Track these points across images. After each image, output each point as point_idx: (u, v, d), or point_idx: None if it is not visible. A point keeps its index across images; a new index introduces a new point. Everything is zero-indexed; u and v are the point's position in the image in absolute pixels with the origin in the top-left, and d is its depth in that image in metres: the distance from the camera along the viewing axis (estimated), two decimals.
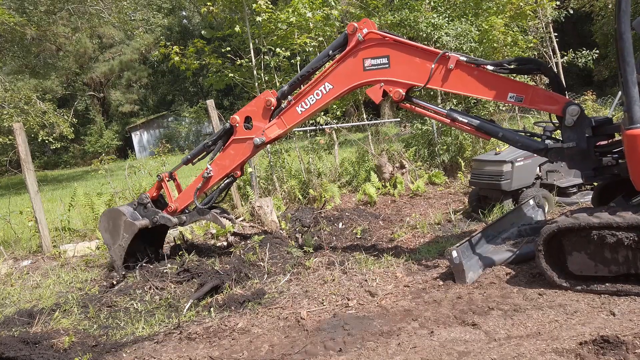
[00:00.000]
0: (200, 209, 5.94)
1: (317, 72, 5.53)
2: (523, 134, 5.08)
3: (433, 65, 4.85)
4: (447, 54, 4.85)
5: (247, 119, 5.72)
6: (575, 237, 4.04)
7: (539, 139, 4.84)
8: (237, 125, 5.73)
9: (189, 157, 6.11)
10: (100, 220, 6.07)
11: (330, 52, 5.36)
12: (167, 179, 6.11)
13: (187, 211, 6.11)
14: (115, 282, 5.76)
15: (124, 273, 5.87)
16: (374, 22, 5.23)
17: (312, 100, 5.41)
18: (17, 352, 3.93)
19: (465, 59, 4.83)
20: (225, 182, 6.03)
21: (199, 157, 6.11)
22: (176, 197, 6.11)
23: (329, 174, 10.17)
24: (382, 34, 5.09)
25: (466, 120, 5.04)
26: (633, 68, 3.84)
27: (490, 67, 4.76)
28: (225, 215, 6.17)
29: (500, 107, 11.57)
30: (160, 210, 6.01)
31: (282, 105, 5.61)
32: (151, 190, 6.22)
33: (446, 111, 5.14)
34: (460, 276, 4.63)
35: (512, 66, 4.79)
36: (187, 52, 10.54)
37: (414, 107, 5.27)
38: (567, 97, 4.76)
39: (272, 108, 5.59)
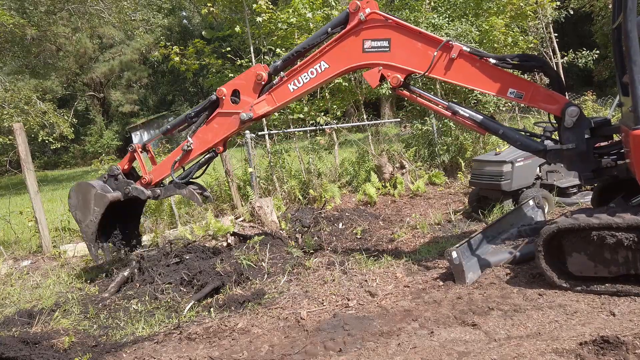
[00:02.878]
0: (177, 182, 5.63)
1: (314, 50, 5.23)
2: (523, 133, 5.02)
3: (435, 53, 4.69)
4: (450, 42, 4.70)
5: (235, 93, 5.42)
6: (575, 238, 4.03)
7: (539, 140, 4.80)
8: (223, 97, 5.39)
9: (169, 127, 5.77)
10: (70, 196, 5.73)
11: (330, 29, 5.08)
12: (140, 150, 5.78)
13: (162, 185, 5.82)
14: (101, 262, 5.61)
15: (100, 252, 5.64)
16: (377, 3, 4.98)
17: (306, 78, 5.15)
18: (17, 352, 3.92)
19: (468, 49, 4.69)
20: (206, 157, 5.71)
21: (179, 128, 5.79)
22: (150, 169, 5.79)
23: (329, 174, 10.16)
24: (385, 15, 4.86)
25: (467, 115, 4.89)
26: None
27: (492, 61, 4.65)
28: (203, 192, 5.86)
29: (501, 107, 11.57)
30: (133, 182, 5.72)
31: (274, 81, 5.34)
32: (122, 162, 5.87)
33: (447, 103, 4.98)
34: (460, 276, 4.62)
35: (514, 61, 4.68)
36: (187, 52, 10.54)
37: (413, 95, 5.07)
38: (567, 97, 4.72)
39: (263, 83, 5.30)
